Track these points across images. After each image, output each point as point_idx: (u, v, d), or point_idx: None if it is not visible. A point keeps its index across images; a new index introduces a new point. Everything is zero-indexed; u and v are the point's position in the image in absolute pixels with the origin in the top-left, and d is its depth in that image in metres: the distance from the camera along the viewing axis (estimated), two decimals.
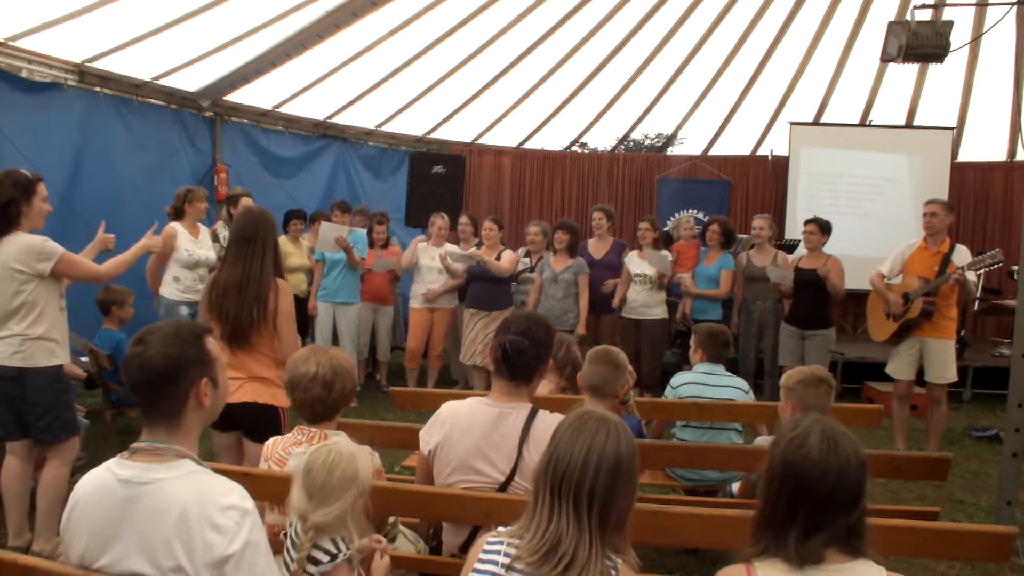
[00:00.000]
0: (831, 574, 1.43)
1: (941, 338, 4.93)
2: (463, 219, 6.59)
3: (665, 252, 6.15)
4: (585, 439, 1.55)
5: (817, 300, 5.52)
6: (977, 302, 7.54)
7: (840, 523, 1.42)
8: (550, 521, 1.51)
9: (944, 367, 4.92)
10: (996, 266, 4.84)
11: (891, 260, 5.19)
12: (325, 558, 1.80)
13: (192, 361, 1.61)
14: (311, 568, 1.79)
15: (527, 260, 6.38)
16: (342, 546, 1.83)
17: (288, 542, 1.86)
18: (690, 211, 8.69)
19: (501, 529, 1.63)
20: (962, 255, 4.87)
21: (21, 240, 3.17)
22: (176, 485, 1.52)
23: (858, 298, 8.68)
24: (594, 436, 1.56)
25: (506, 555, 1.54)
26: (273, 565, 1.61)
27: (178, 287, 4.98)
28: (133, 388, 1.61)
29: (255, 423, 3.00)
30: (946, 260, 4.86)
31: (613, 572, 1.52)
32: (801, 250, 6.02)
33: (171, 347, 1.59)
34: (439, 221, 6.41)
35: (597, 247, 6.35)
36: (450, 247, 6.40)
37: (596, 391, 2.85)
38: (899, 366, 5.09)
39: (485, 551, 1.58)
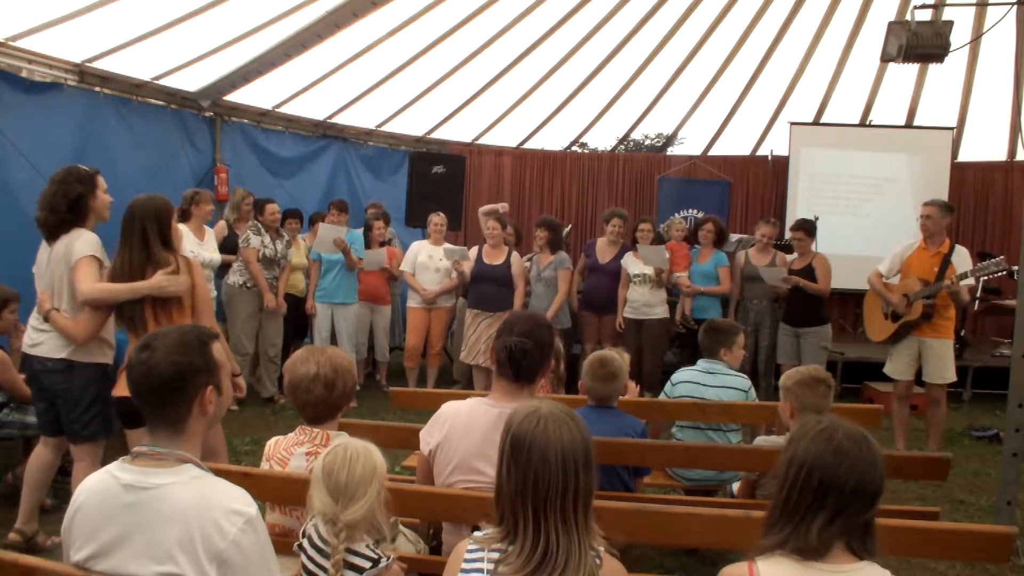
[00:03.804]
0: (837, 575, 1.43)
1: (939, 338, 4.92)
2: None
3: (660, 247, 6.16)
4: (555, 446, 1.51)
5: (808, 298, 5.63)
6: (977, 302, 7.54)
7: (858, 519, 1.45)
8: (538, 536, 1.48)
9: (943, 367, 4.92)
10: (999, 273, 4.82)
11: (890, 259, 5.19)
12: (367, 564, 1.80)
13: (199, 369, 1.60)
14: (350, 575, 1.79)
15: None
16: (379, 552, 1.83)
17: (310, 550, 1.84)
18: (690, 211, 8.70)
19: (477, 534, 1.60)
20: (961, 256, 4.86)
21: (77, 234, 3.21)
22: (180, 490, 1.52)
23: (858, 298, 8.66)
24: (561, 438, 1.52)
25: (489, 561, 1.52)
26: (276, 567, 1.61)
27: None
28: (138, 395, 1.59)
29: None
30: (946, 261, 4.84)
31: (597, 561, 1.53)
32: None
33: (178, 355, 1.57)
34: (436, 219, 6.43)
35: (605, 251, 6.33)
36: (448, 245, 6.41)
37: (602, 401, 3.07)
38: (897, 366, 5.08)
39: (467, 560, 1.55)
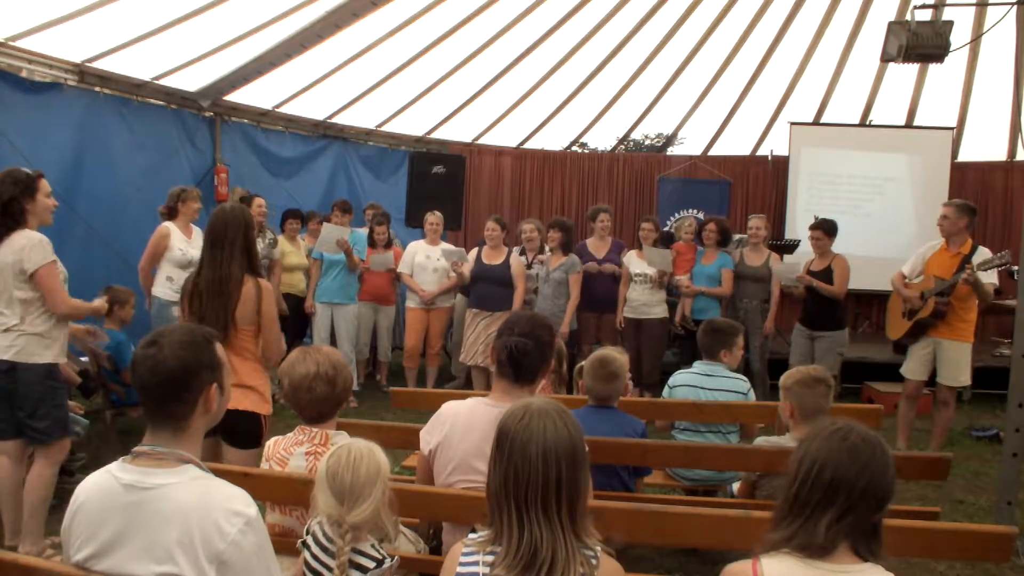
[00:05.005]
0: (841, 575, 1.44)
1: (956, 340, 4.85)
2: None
3: (665, 250, 6.15)
4: (536, 441, 1.51)
5: (825, 300, 5.53)
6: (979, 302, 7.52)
7: (866, 520, 1.46)
8: (521, 533, 1.48)
9: (958, 370, 4.86)
10: (1005, 266, 4.74)
11: (913, 260, 5.15)
12: (371, 564, 1.81)
13: (204, 366, 1.60)
14: (355, 574, 1.79)
15: (523, 259, 6.38)
16: (383, 552, 1.84)
17: (314, 548, 1.85)
18: (690, 211, 8.69)
19: (472, 536, 1.60)
20: (983, 257, 4.75)
21: (25, 237, 3.18)
22: (180, 490, 1.52)
23: (858, 298, 8.70)
24: (544, 433, 1.51)
25: (485, 564, 1.52)
26: (277, 567, 1.61)
27: (171, 287, 4.96)
28: (142, 391, 1.59)
29: (236, 429, 2.97)
30: (966, 261, 4.74)
31: (594, 561, 1.52)
32: (804, 248, 6.05)
33: (185, 351, 1.58)
34: (431, 218, 6.42)
35: (597, 247, 6.34)
36: (446, 246, 6.41)
37: (603, 401, 3.06)
38: (912, 366, 5.05)
39: (463, 563, 1.55)
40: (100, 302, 3.69)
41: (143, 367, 1.57)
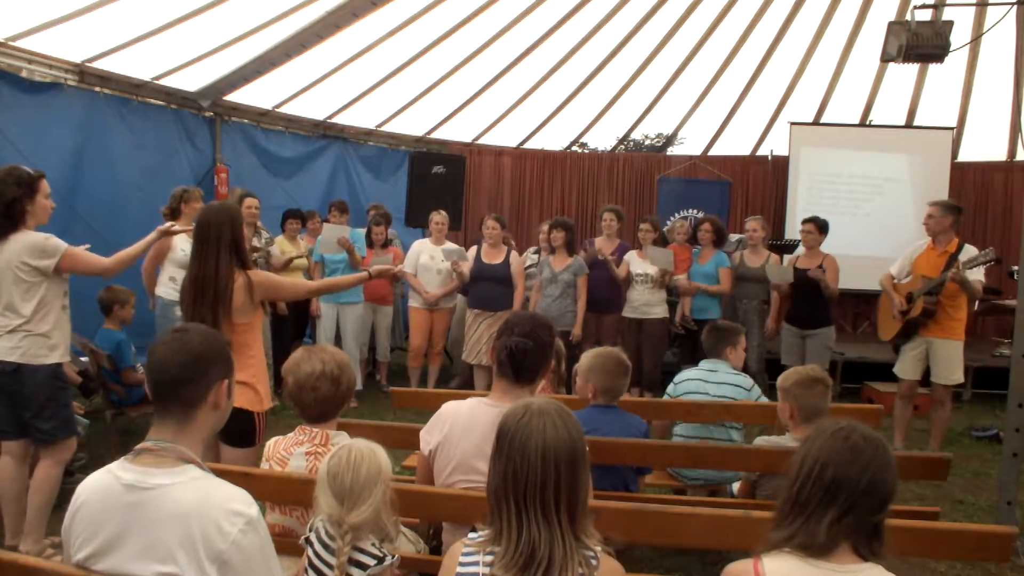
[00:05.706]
0: (842, 575, 1.44)
1: (947, 339, 4.87)
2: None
3: (667, 249, 6.16)
4: (536, 440, 1.51)
5: (815, 299, 5.55)
6: (977, 302, 7.53)
7: (868, 519, 1.46)
8: (520, 532, 1.48)
9: (950, 368, 4.88)
10: (989, 263, 4.77)
11: (901, 261, 5.17)
12: (372, 561, 1.82)
13: (223, 358, 1.67)
14: (355, 572, 1.80)
15: (536, 257, 6.37)
16: (384, 550, 1.85)
17: (316, 546, 1.86)
18: (690, 211, 8.70)
19: (472, 536, 1.60)
20: (969, 255, 4.77)
21: (26, 238, 3.18)
22: (181, 491, 1.52)
23: (857, 298, 8.71)
24: (543, 433, 1.52)
25: (485, 565, 1.52)
26: (278, 567, 1.61)
27: (174, 287, 4.96)
28: (159, 371, 1.59)
29: (229, 427, 2.95)
30: (952, 260, 4.77)
31: (594, 562, 1.52)
32: (800, 249, 6.06)
33: (209, 339, 1.66)
34: (437, 217, 6.41)
35: (604, 247, 6.33)
36: (447, 244, 6.41)
37: (613, 397, 3.05)
38: (904, 365, 5.06)
39: (462, 564, 1.55)
40: (153, 234, 3.63)
41: (169, 347, 1.61)
